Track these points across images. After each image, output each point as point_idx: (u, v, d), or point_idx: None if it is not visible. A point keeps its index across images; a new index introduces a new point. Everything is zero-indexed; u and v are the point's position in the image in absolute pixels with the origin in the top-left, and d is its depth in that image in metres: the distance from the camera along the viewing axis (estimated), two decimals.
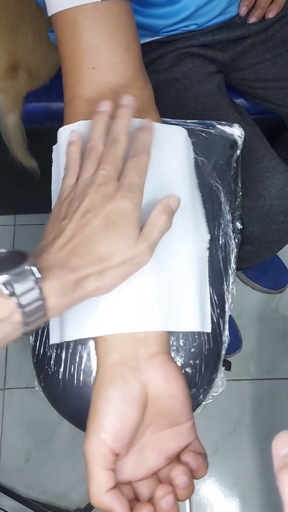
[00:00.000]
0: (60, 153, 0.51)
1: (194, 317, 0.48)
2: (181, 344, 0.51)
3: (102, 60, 0.51)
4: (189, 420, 0.43)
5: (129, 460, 0.42)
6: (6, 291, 0.35)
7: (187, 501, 1.19)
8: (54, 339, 0.49)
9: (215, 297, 0.52)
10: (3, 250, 0.38)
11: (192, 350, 0.51)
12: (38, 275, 0.36)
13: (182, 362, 0.51)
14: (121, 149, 0.45)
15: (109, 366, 0.42)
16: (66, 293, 0.38)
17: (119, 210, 0.41)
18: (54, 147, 0.53)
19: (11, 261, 0.36)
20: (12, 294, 0.35)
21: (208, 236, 0.52)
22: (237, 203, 0.57)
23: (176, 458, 0.42)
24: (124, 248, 0.41)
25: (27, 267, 0.36)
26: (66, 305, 0.39)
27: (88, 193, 0.42)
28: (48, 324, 0.51)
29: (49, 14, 0.52)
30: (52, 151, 0.54)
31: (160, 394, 0.42)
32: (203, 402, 0.54)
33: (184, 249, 0.48)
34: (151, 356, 0.43)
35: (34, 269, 0.36)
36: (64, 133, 0.51)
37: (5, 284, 0.35)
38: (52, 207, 0.50)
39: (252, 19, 0.85)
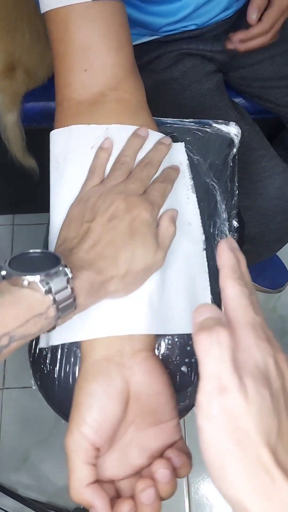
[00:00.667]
0: (56, 156, 0.52)
1: (183, 320, 0.48)
2: (176, 342, 0.51)
3: (94, 61, 0.51)
4: (174, 418, 0.43)
5: (112, 458, 0.42)
6: (43, 288, 0.37)
7: (186, 501, 1.19)
8: (42, 343, 0.49)
9: (211, 296, 0.52)
10: (37, 250, 0.42)
11: (188, 348, 0.51)
12: (70, 275, 0.39)
13: (178, 361, 0.51)
14: (152, 173, 0.50)
15: (93, 361, 0.43)
16: (92, 292, 0.41)
17: (141, 220, 0.45)
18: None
19: (45, 261, 0.40)
20: (49, 291, 0.37)
21: (202, 237, 0.52)
22: (233, 202, 0.57)
23: (160, 458, 0.42)
24: (146, 256, 0.44)
25: (61, 268, 0.39)
26: (90, 303, 0.42)
27: (115, 200, 0.46)
28: None
29: (42, 11, 0.52)
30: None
31: (143, 390, 0.42)
32: None
33: (176, 251, 0.49)
34: (134, 352, 0.43)
35: (67, 269, 0.39)
36: (56, 137, 0.53)
37: (42, 282, 0.37)
38: (52, 205, 0.51)
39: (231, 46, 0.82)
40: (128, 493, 0.41)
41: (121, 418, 0.41)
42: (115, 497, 0.41)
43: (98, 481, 0.39)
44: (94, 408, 0.40)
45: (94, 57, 0.50)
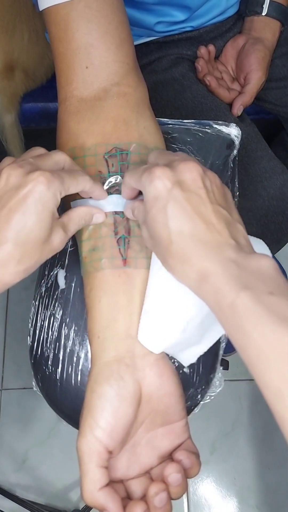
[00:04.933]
0: None
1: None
2: None
3: (95, 58, 0.51)
4: (183, 418, 0.43)
5: (122, 458, 0.42)
6: None
7: (185, 501, 1.19)
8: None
9: None
10: None
11: None
12: None
13: (180, 362, 0.51)
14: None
15: (104, 363, 0.43)
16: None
17: (34, 196, 0.41)
18: None
19: None
20: None
21: None
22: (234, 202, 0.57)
23: (169, 457, 0.43)
24: (39, 232, 0.42)
25: None
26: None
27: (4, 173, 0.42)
28: (45, 323, 0.51)
29: (41, 8, 0.52)
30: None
31: (154, 391, 0.42)
32: (201, 402, 0.54)
33: None
34: (145, 354, 0.43)
35: None
36: None
37: None
38: None
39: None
40: (138, 492, 0.41)
41: (133, 420, 0.41)
42: (125, 497, 0.41)
43: (111, 483, 0.39)
44: (107, 411, 0.40)
45: (95, 54, 0.50)
